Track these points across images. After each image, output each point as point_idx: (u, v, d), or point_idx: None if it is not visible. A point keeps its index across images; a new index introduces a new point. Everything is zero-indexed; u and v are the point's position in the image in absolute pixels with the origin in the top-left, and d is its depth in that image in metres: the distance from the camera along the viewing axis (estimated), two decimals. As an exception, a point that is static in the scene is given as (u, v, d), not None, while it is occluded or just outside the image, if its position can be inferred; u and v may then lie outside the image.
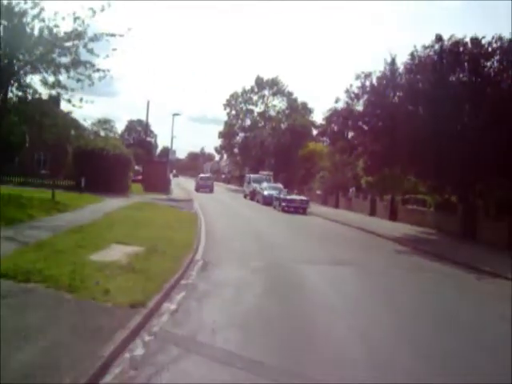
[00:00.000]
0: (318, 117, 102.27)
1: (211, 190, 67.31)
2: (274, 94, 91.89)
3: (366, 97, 27.98)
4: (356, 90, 28.40)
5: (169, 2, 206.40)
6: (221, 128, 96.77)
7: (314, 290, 12.41)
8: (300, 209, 39.07)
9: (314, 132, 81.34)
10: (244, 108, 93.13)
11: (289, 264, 15.54)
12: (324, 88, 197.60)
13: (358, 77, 28.09)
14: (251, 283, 12.41)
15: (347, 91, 28.55)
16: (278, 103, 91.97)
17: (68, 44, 27.34)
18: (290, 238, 23.01)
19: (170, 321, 8.88)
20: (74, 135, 31.27)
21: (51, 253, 12.69)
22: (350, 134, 31.62)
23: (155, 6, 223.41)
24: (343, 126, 30.48)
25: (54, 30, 26.34)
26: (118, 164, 42.92)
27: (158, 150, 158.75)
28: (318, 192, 54.99)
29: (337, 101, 29.54)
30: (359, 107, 28.72)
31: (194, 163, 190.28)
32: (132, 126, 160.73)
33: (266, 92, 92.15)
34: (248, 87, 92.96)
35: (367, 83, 27.66)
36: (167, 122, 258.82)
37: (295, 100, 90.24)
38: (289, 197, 39.79)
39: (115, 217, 23.40)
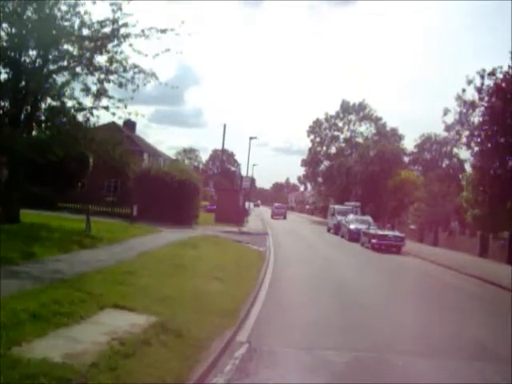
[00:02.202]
0: (409, 144, 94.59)
1: (284, 217, 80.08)
2: (361, 120, 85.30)
3: (485, 103, 21.21)
4: (472, 96, 21.75)
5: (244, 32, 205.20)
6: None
7: None
8: (393, 247, 32.29)
9: (406, 160, 74.35)
10: (329, 134, 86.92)
11: (394, 357, 8.97)
12: (415, 113, 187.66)
13: (470, 81, 21.49)
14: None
15: (458, 98, 21.97)
16: (366, 129, 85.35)
17: (109, 43, 22.35)
18: (387, 296, 16.28)
19: None
20: (118, 153, 25.56)
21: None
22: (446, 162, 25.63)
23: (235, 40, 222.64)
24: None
25: (85, 18, 21.34)
26: (183, 191, 37.84)
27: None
28: (412, 226, 47.75)
29: (446, 112, 23.04)
30: (475, 118, 22.06)
31: (279, 194, 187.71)
32: (216, 155, 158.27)
33: (353, 117, 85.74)
34: (332, 112, 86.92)
35: (487, 84, 20.93)
36: (252, 153, 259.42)
37: (384, 125, 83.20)
38: (380, 232, 33.01)
39: (152, 257, 17.74)
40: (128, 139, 61.67)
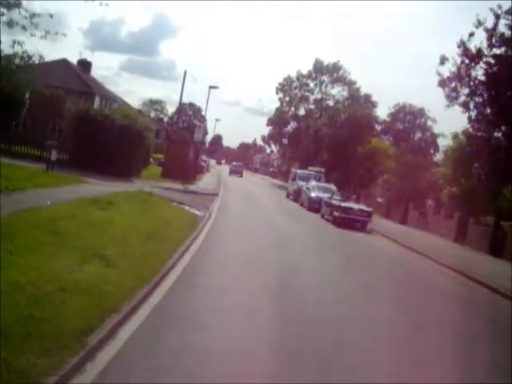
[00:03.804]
0: (382, 113, 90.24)
1: (241, 175, 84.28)
2: (334, 82, 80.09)
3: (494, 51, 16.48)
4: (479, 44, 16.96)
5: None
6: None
7: None
8: (358, 222, 27.92)
9: (378, 128, 69.97)
10: (299, 94, 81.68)
11: None
12: (390, 81, 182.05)
13: (481, 22, 16.76)
14: None
15: (462, 45, 17.19)
16: (338, 92, 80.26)
17: None
18: (351, 300, 11.40)
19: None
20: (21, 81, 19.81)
21: None
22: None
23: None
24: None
25: None
26: (124, 138, 32.68)
27: (210, 138, 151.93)
28: (380, 200, 43.39)
29: (443, 61, 18.23)
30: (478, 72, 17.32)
31: (245, 154, 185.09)
32: (182, 109, 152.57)
33: (325, 78, 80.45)
34: (305, 71, 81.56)
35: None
36: (223, 111, 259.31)
37: (358, 90, 78.19)
38: (344, 204, 28.32)
39: (32, 217, 12.72)
40: (79, 80, 55.95)
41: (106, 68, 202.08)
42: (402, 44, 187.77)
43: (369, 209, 29.01)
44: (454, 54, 18.53)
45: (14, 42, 17.91)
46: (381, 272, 16.13)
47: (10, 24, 17.63)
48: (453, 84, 18.47)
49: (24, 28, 17.84)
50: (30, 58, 18.81)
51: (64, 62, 59.27)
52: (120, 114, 35.55)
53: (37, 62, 18.75)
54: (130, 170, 33.91)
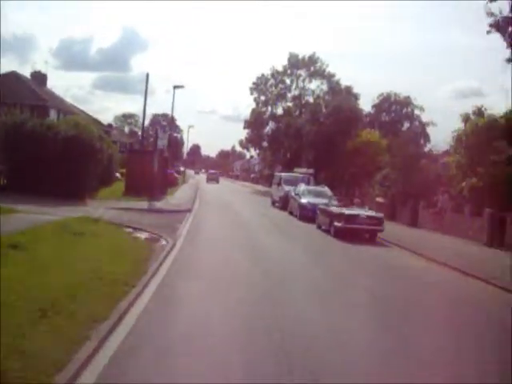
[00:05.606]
0: (365, 105, 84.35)
1: (217, 182, 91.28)
2: (312, 76, 74.28)
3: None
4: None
5: None
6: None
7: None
8: (367, 233, 22.35)
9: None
10: (275, 92, 75.80)
11: None
12: (371, 73, 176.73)
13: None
14: None
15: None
16: (317, 87, 74.41)
17: None
18: None
19: None
20: None
21: None
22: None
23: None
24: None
25: None
26: (71, 151, 26.96)
27: (188, 148, 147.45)
28: (380, 199, 37.58)
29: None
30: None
31: (225, 161, 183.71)
32: (156, 120, 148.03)
33: (302, 73, 74.58)
34: (280, 68, 75.61)
35: None
36: (200, 121, 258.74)
37: (337, 82, 72.49)
38: (348, 211, 22.43)
39: None
40: (31, 93, 49.71)
41: (78, 87, 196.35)
42: (379, 39, 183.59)
43: (379, 215, 23.18)
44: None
45: None
46: (452, 322, 9.74)
47: None
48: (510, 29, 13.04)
49: None
50: None
51: (14, 75, 53.30)
52: (67, 124, 29.72)
53: None
54: (84, 189, 28.10)
